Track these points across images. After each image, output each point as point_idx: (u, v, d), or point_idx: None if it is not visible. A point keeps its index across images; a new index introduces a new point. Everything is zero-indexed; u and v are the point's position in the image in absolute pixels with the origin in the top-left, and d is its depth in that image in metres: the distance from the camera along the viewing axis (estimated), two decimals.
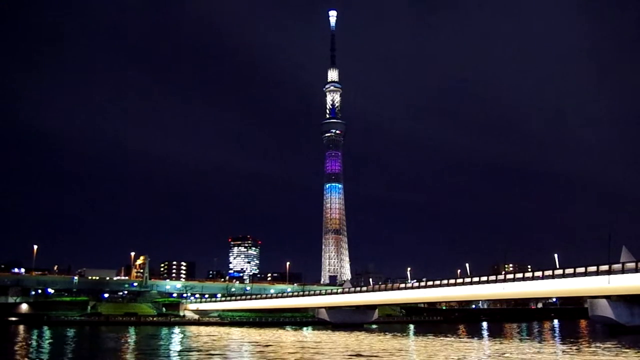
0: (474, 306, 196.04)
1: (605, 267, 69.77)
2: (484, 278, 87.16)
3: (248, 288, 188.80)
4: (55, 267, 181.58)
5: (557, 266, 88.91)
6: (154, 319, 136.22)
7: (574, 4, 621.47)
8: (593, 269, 70.76)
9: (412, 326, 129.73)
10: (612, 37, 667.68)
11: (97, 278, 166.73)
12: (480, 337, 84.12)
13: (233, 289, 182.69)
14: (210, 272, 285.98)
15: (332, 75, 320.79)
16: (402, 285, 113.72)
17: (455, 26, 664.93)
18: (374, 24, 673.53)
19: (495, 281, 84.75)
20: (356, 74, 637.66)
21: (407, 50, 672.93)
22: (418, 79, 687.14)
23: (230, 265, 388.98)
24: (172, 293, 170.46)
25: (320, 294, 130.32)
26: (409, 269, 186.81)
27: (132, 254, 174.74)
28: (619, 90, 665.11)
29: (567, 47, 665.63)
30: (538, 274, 78.78)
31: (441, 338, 75.79)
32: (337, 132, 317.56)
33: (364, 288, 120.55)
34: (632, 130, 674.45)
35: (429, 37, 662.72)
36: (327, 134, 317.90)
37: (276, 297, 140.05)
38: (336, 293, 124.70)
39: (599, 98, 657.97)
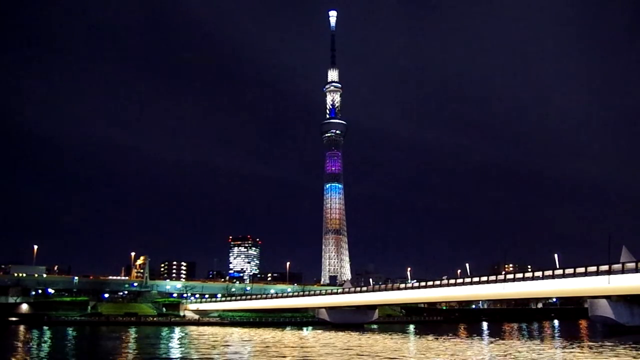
0: (474, 306, 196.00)
1: (605, 267, 69.81)
2: (484, 278, 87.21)
3: (248, 288, 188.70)
4: (56, 267, 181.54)
5: (557, 266, 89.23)
6: (154, 319, 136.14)
7: (573, 3, 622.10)
8: (593, 269, 70.80)
9: (412, 326, 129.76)
10: (608, 36, 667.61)
11: (97, 278, 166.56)
12: (481, 337, 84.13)
13: (233, 289, 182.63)
14: (211, 272, 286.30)
15: (332, 75, 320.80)
16: (402, 285, 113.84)
17: (454, 27, 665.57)
18: (373, 24, 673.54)
19: (495, 281, 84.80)
20: (356, 74, 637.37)
21: (407, 50, 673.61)
22: (418, 80, 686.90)
23: (231, 265, 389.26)
24: (172, 293, 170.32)
25: (320, 294, 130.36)
26: (409, 269, 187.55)
27: (132, 254, 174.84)
28: (617, 90, 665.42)
29: (566, 46, 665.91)
30: (538, 274, 78.82)
31: (441, 338, 75.80)
32: (337, 132, 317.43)
33: (364, 288, 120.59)
34: (632, 129, 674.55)
35: (428, 37, 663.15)
36: (327, 134, 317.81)
37: (276, 297, 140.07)
38: (336, 293, 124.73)
39: (598, 98, 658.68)
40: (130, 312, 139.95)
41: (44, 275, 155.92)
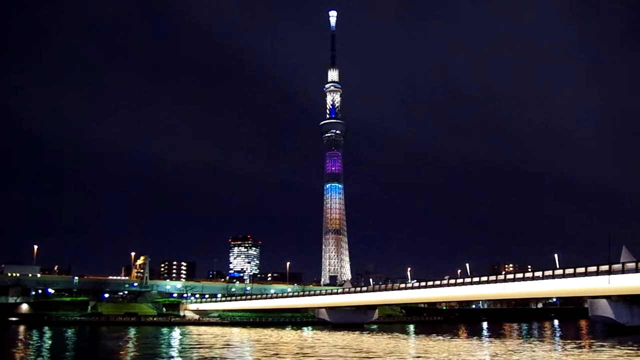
0: (474, 306, 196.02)
1: (605, 267, 69.85)
2: (484, 278, 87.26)
3: (248, 288, 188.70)
4: (56, 267, 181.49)
5: (557, 266, 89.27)
6: (155, 319, 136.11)
7: (571, 3, 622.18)
8: (593, 269, 70.84)
9: (412, 326, 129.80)
10: (608, 37, 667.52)
11: (97, 278, 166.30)
12: (481, 337, 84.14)
13: (233, 289, 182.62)
14: (211, 272, 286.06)
15: (332, 75, 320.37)
16: (402, 285, 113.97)
17: (454, 27, 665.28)
18: (373, 24, 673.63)
19: (495, 281, 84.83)
20: (356, 74, 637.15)
21: (407, 50, 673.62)
22: (418, 79, 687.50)
23: (231, 265, 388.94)
24: (173, 293, 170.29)
25: (320, 294, 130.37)
26: (409, 269, 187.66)
27: (132, 254, 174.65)
28: (616, 90, 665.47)
29: (565, 47, 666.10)
30: (538, 274, 78.86)
31: (441, 338, 75.80)
32: (337, 132, 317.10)
33: (364, 288, 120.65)
34: (632, 129, 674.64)
35: (428, 37, 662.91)
36: (327, 134, 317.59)
37: (276, 297, 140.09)
38: (336, 293, 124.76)
39: (597, 98, 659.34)
40: (130, 312, 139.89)
41: (38, 275, 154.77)
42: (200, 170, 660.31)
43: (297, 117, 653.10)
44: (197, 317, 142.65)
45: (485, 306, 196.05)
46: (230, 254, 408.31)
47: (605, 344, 61.45)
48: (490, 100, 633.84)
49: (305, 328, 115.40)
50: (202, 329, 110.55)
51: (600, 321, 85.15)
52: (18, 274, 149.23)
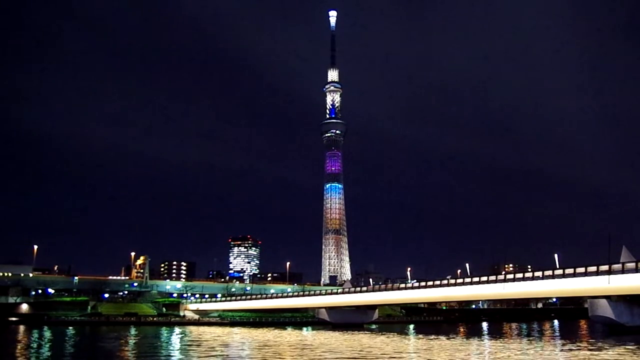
0: (474, 306, 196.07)
1: (605, 267, 69.88)
2: (484, 278, 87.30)
3: (248, 288, 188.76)
4: (56, 267, 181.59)
5: (557, 266, 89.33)
6: (155, 319, 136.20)
7: (570, 3, 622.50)
8: (593, 269, 70.86)
9: (412, 326, 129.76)
10: (607, 37, 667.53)
11: (97, 278, 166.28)
12: (481, 337, 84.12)
13: (233, 289, 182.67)
14: (211, 272, 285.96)
15: (332, 75, 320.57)
16: (402, 285, 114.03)
17: (455, 27, 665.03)
18: (373, 24, 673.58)
19: (495, 281, 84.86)
20: (356, 74, 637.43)
21: (407, 50, 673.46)
22: (418, 80, 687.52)
23: (231, 265, 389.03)
24: (173, 293, 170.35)
25: (320, 294, 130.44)
26: (409, 269, 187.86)
27: (132, 254, 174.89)
28: (616, 90, 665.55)
29: (566, 46, 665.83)
30: (538, 274, 78.91)
31: (441, 338, 75.79)
32: (337, 132, 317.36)
33: (364, 288, 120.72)
34: (631, 129, 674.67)
35: (428, 37, 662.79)
36: (327, 134, 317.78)
37: (276, 297, 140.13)
38: (336, 293, 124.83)
39: (597, 98, 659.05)
40: (130, 312, 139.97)
41: (31, 275, 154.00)
42: (200, 170, 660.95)
43: (297, 117, 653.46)
44: (197, 317, 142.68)
45: (485, 306, 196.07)
46: (230, 254, 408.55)
47: (605, 344, 61.44)
48: (490, 101, 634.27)
49: (305, 328, 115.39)
50: (202, 329, 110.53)
51: (600, 321, 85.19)
52: (11, 274, 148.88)
